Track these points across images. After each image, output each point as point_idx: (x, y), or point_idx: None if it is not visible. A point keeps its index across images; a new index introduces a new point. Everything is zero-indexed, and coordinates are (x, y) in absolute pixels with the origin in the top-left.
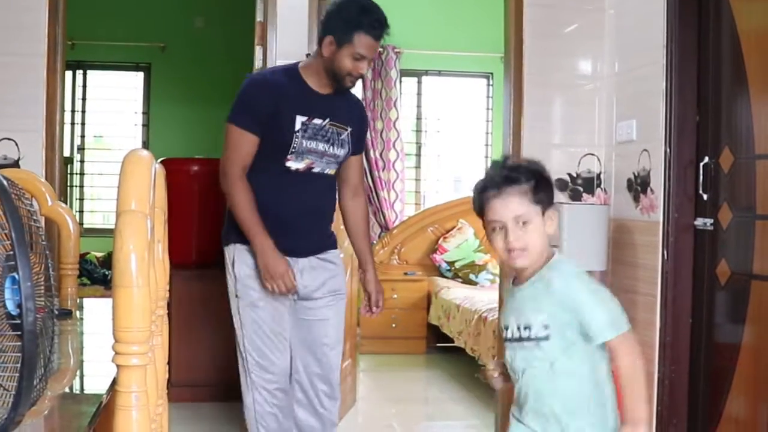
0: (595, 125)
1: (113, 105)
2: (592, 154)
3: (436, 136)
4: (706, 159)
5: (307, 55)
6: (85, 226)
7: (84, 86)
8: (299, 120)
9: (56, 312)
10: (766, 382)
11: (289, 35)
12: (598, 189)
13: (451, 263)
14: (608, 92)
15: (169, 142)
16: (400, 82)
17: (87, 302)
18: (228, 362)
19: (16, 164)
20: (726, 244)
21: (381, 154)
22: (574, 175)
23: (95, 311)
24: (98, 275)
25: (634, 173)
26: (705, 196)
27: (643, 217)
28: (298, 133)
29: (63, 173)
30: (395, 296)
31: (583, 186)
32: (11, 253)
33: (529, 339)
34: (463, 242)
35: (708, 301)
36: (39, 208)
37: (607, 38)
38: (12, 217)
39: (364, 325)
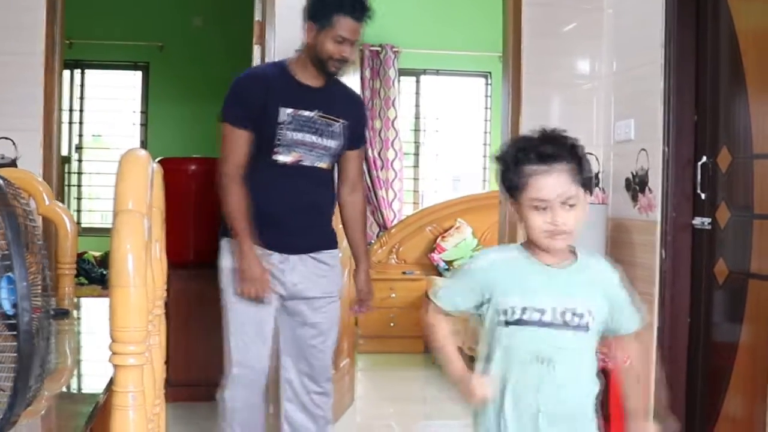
0: (593, 125)
1: (111, 104)
2: (591, 154)
3: (435, 135)
4: (704, 158)
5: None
6: (83, 225)
7: (82, 85)
8: (285, 112)
9: (53, 312)
10: (764, 381)
11: (287, 34)
12: (597, 188)
13: (449, 262)
14: (606, 92)
15: (168, 141)
16: (399, 81)
17: (84, 302)
18: (218, 360)
19: (13, 163)
20: (724, 243)
21: (379, 154)
22: None
23: (93, 311)
24: (96, 275)
25: (632, 173)
26: (703, 196)
27: (641, 216)
28: (282, 125)
29: (61, 172)
30: (393, 295)
31: None
32: (7, 252)
33: (576, 327)
34: (462, 241)
35: (706, 300)
36: (36, 208)
37: (605, 37)
38: (8, 217)
39: (363, 324)
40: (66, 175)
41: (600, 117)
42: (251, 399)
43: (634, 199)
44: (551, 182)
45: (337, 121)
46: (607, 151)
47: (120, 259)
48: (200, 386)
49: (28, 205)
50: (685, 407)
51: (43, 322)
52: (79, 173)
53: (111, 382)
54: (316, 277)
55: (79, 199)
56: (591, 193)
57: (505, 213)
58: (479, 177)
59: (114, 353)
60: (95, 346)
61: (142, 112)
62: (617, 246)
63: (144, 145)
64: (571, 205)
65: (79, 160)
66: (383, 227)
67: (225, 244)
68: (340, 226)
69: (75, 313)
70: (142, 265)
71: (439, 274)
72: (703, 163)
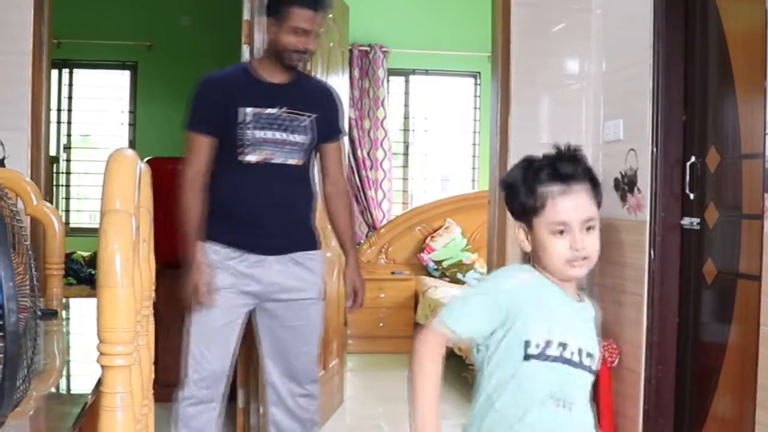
0: (582, 125)
1: (100, 104)
2: None
3: (424, 135)
4: (693, 159)
5: None
6: (71, 225)
7: (70, 85)
8: (248, 111)
9: (40, 312)
10: (752, 381)
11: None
12: None
13: (438, 262)
14: (595, 92)
15: (156, 141)
16: (388, 81)
17: (73, 302)
18: None
19: (1, 163)
20: (712, 243)
21: (368, 154)
22: None
23: (81, 311)
24: (84, 275)
25: (621, 173)
26: (692, 196)
27: (630, 216)
28: (248, 125)
29: (49, 172)
30: (382, 295)
31: None
32: None
33: (589, 368)
34: (451, 241)
35: (695, 300)
36: (24, 208)
37: (594, 38)
38: None
39: (352, 324)
40: (54, 175)
41: (589, 117)
42: (204, 405)
43: (623, 199)
44: (572, 203)
45: (305, 116)
46: (596, 151)
47: (107, 259)
48: None
49: (15, 206)
50: (674, 407)
51: (31, 322)
52: (68, 173)
53: (99, 383)
54: (293, 279)
55: (67, 199)
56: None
57: (494, 213)
58: (468, 177)
59: (102, 354)
60: (83, 347)
61: (130, 111)
62: (606, 246)
63: (132, 144)
64: (590, 228)
65: (68, 160)
66: (372, 227)
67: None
68: (330, 226)
69: (63, 313)
70: (129, 266)
71: (429, 274)
72: (692, 163)
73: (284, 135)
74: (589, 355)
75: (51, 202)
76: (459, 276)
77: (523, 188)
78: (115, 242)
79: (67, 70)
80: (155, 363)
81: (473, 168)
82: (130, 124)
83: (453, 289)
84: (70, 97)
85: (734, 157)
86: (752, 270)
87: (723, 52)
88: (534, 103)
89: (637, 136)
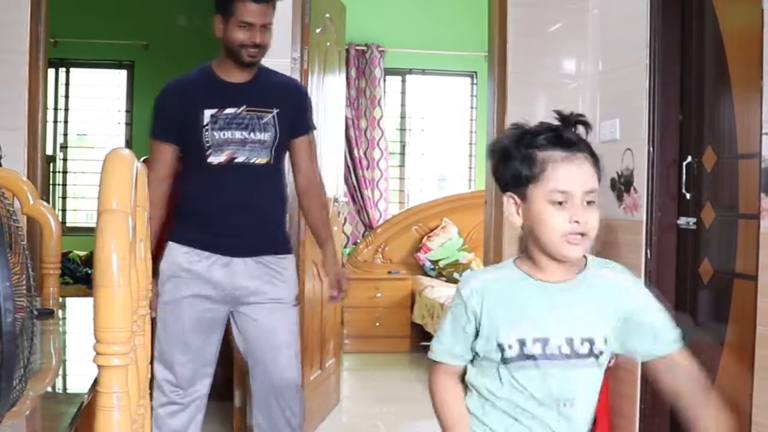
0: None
1: (96, 103)
2: None
3: (420, 134)
4: (689, 158)
5: None
6: (68, 224)
7: (67, 84)
8: (207, 113)
9: (36, 312)
10: (749, 380)
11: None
12: None
13: (434, 262)
14: (592, 91)
15: None
16: (384, 80)
17: (69, 301)
18: None
19: None
20: (709, 243)
21: (365, 153)
22: None
23: (77, 310)
24: (81, 274)
25: (617, 172)
26: (688, 196)
27: (627, 216)
28: (207, 127)
29: (45, 172)
30: (379, 295)
31: None
32: None
33: (586, 356)
34: (447, 241)
35: (691, 299)
36: (21, 207)
37: (590, 37)
38: None
39: (348, 324)
40: (51, 174)
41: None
42: (177, 405)
43: (620, 198)
44: (576, 171)
45: (268, 112)
46: None
47: (104, 259)
48: None
49: (12, 205)
50: (671, 407)
51: (27, 322)
52: (64, 172)
53: (95, 383)
54: (261, 282)
55: (64, 198)
56: None
57: (490, 212)
58: (465, 176)
59: (98, 354)
60: (80, 347)
61: (126, 111)
62: (602, 246)
63: (129, 144)
64: (590, 203)
65: (64, 159)
66: (369, 227)
67: (167, 249)
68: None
69: (59, 312)
70: (126, 265)
71: (425, 274)
72: (688, 163)
73: (245, 134)
74: (586, 340)
75: (47, 202)
76: (455, 275)
77: (519, 152)
78: (111, 242)
79: (63, 69)
80: (151, 363)
81: (470, 168)
82: (126, 124)
83: (449, 288)
84: (66, 97)
85: (730, 157)
86: (748, 270)
87: (719, 51)
88: (530, 103)
89: (633, 136)
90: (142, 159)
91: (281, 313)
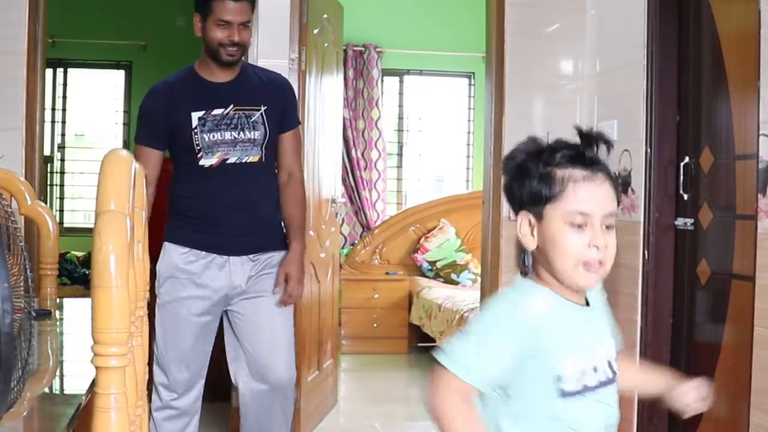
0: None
1: (94, 104)
2: None
3: (418, 135)
4: (687, 159)
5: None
6: (65, 225)
7: (65, 84)
8: (195, 116)
9: (34, 313)
10: (747, 381)
11: (270, 35)
12: None
13: (432, 263)
14: (589, 92)
15: None
16: (382, 81)
17: (67, 302)
18: (211, 362)
19: None
20: (706, 243)
21: (363, 154)
22: None
23: (75, 311)
24: (78, 275)
25: (614, 173)
26: (685, 196)
27: (624, 216)
28: (196, 130)
29: (43, 172)
30: (377, 296)
31: None
32: None
33: (615, 375)
34: (445, 242)
35: (689, 300)
36: (18, 208)
37: (588, 38)
38: None
39: (346, 325)
40: (48, 175)
41: (583, 118)
42: (175, 410)
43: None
44: (597, 192)
45: (256, 110)
46: None
47: (102, 260)
48: None
49: (10, 206)
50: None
51: (25, 323)
52: (62, 173)
53: (93, 384)
54: (257, 279)
55: (61, 198)
56: None
57: (488, 214)
58: (462, 177)
59: (96, 355)
60: (77, 347)
61: (124, 111)
62: None
63: (126, 144)
64: (609, 227)
65: (62, 160)
66: (366, 228)
67: (164, 249)
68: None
69: (57, 313)
70: (124, 266)
71: (423, 275)
72: (686, 164)
73: (235, 134)
74: (613, 360)
75: (45, 202)
76: (453, 276)
77: (537, 169)
78: (109, 243)
79: (61, 69)
80: (149, 364)
81: (467, 168)
82: (124, 124)
83: (447, 289)
84: (64, 97)
85: (728, 158)
86: (746, 270)
87: (717, 52)
88: (528, 104)
89: (631, 137)
90: None
91: (275, 307)
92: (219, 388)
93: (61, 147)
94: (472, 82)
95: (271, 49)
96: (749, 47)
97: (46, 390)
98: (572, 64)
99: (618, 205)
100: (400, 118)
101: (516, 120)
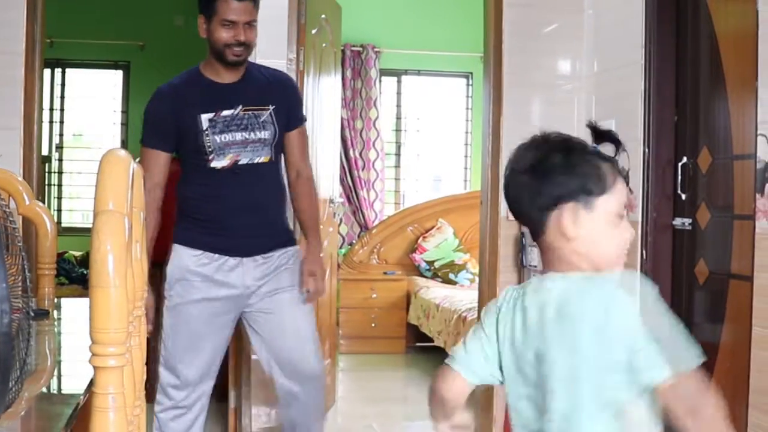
0: (574, 125)
1: (92, 103)
2: None
3: (416, 135)
4: (685, 159)
5: None
6: (63, 225)
7: (63, 84)
8: (204, 118)
9: (32, 313)
10: (745, 380)
11: (268, 35)
12: None
13: (430, 263)
14: (587, 92)
15: None
16: (380, 81)
17: (65, 302)
18: None
19: None
20: (704, 243)
21: (361, 154)
22: None
23: (73, 311)
24: (76, 275)
25: None
26: (683, 196)
27: None
28: (207, 132)
29: (41, 172)
30: (375, 296)
31: None
32: None
33: None
34: (443, 242)
35: (687, 300)
36: (16, 208)
37: (586, 38)
38: None
39: (344, 324)
40: (46, 175)
41: (581, 117)
42: (181, 408)
43: None
44: (624, 188)
45: (265, 110)
46: None
47: (100, 259)
48: None
49: (8, 206)
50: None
51: (23, 323)
52: (60, 173)
53: (91, 384)
54: (271, 277)
55: (59, 198)
56: None
57: (486, 213)
58: (460, 177)
59: (94, 354)
60: (75, 347)
61: (122, 111)
62: None
63: (124, 144)
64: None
65: (60, 160)
66: (364, 227)
67: (173, 251)
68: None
69: (55, 313)
70: (122, 266)
71: (421, 275)
72: (684, 164)
73: (246, 134)
74: None
75: (43, 202)
76: (451, 276)
77: (589, 162)
78: (108, 243)
79: (59, 69)
80: (147, 363)
81: (465, 168)
82: (122, 124)
83: (445, 289)
84: (62, 97)
85: (726, 158)
86: (744, 270)
87: (714, 52)
88: (526, 104)
89: (628, 137)
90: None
91: (295, 301)
92: (219, 388)
93: (59, 147)
94: (470, 82)
95: (269, 49)
96: (747, 47)
97: (44, 390)
98: (570, 64)
99: None
100: (398, 118)
101: (514, 120)
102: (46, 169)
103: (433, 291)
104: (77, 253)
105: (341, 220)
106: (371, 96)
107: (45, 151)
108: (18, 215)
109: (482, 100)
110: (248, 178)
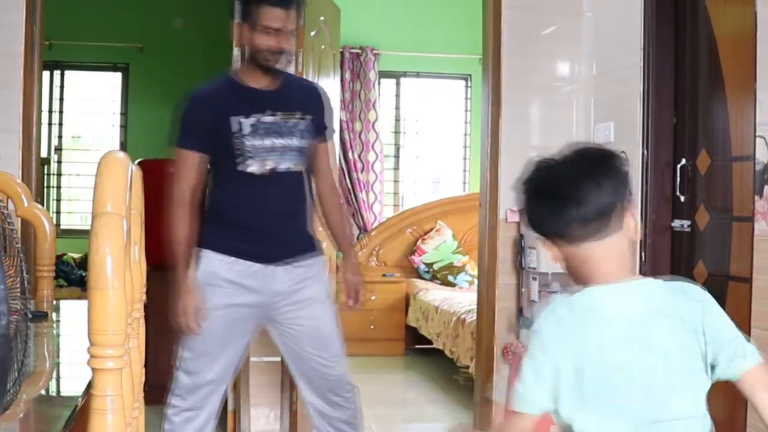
0: (573, 127)
1: (91, 105)
2: None
3: (415, 137)
4: (683, 161)
5: None
6: (62, 227)
7: (62, 86)
8: (245, 121)
9: (30, 315)
10: None
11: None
12: None
13: (429, 265)
14: (586, 94)
15: (147, 143)
16: (379, 83)
17: (63, 304)
18: None
19: None
20: (703, 245)
21: (360, 156)
22: None
23: (71, 313)
24: (75, 277)
25: None
26: (682, 198)
27: None
28: (246, 135)
29: (40, 174)
30: (373, 298)
31: None
32: None
33: None
34: (442, 244)
35: None
36: (15, 210)
37: (584, 41)
38: None
39: (342, 326)
40: (45, 177)
41: (580, 120)
42: (194, 411)
43: None
44: None
45: (303, 118)
46: None
47: (98, 262)
48: None
49: (6, 208)
50: None
51: (22, 325)
52: (59, 174)
53: (89, 386)
54: (298, 285)
55: (58, 200)
56: None
57: (485, 215)
58: (459, 179)
59: (92, 356)
60: (74, 349)
61: (121, 113)
62: None
63: (123, 146)
64: None
65: (59, 162)
66: (363, 229)
67: (196, 254)
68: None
69: (53, 315)
70: (120, 268)
71: (420, 277)
72: (683, 166)
73: (284, 141)
74: None
75: (42, 204)
76: (450, 278)
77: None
78: (106, 245)
79: (58, 71)
80: (146, 365)
81: (464, 170)
82: (121, 126)
83: (444, 291)
84: (61, 99)
85: (724, 160)
86: (743, 272)
87: (713, 54)
88: (525, 106)
89: (627, 139)
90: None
91: (322, 310)
92: None
93: (58, 149)
94: (469, 84)
95: None
96: (745, 49)
97: (43, 392)
98: (569, 67)
99: None
100: (397, 120)
101: (512, 122)
102: (45, 171)
103: (432, 293)
104: (76, 255)
105: None
106: (370, 98)
107: (44, 153)
108: (17, 217)
109: (481, 102)
110: (283, 186)
